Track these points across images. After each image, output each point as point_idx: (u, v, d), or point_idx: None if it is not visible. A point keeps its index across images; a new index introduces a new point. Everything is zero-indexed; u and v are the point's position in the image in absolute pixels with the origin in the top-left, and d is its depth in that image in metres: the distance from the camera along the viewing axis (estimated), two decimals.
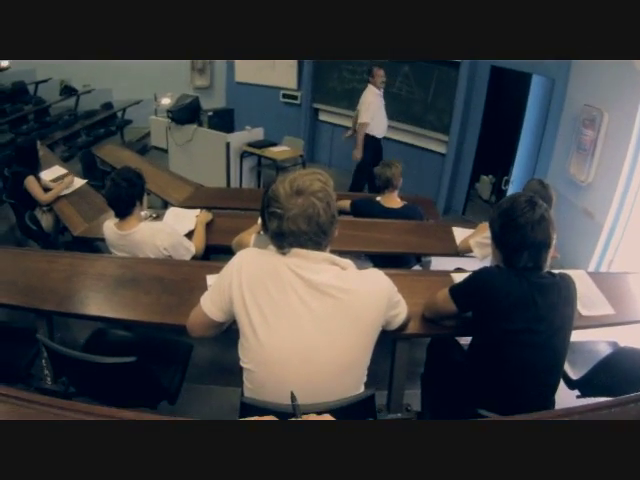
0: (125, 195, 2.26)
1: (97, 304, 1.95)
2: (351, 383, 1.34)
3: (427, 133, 5.59)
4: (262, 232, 2.12)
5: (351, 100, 6.23)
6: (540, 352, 1.52)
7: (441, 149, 5.52)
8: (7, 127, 6.24)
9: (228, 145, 5.31)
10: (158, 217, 2.80)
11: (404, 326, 1.60)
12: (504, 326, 1.52)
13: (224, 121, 5.52)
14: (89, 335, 2.07)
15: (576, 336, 1.62)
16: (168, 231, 2.40)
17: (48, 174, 3.81)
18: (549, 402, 1.60)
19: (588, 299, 2.10)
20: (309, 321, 1.23)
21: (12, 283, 2.03)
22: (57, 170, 3.96)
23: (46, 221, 3.50)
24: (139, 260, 2.29)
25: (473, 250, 2.62)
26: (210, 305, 1.37)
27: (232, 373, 2.42)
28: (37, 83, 7.72)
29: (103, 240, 2.51)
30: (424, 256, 3.21)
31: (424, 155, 5.69)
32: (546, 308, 1.50)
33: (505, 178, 5.01)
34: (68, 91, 7.57)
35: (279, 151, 5.41)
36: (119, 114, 7.70)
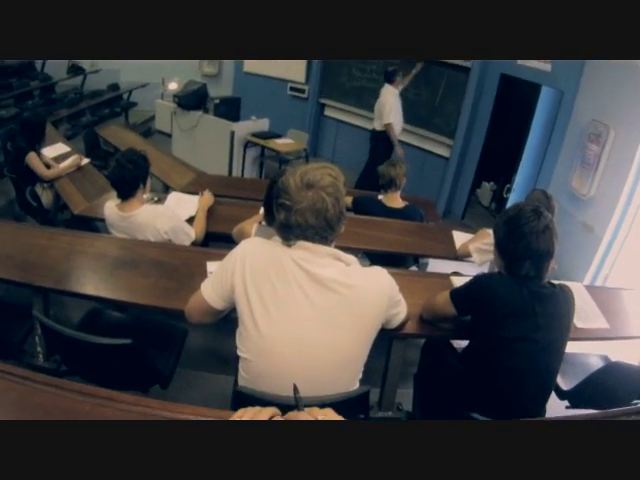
0: (129, 177, 2.26)
1: (95, 284, 1.95)
2: (347, 378, 1.35)
3: (432, 136, 5.58)
4: (263, 222, 2.13)
5: (359, 98, 6.22)
6: (535, 361, 1.54)
7: (445, 153, 5.52)
8: (12, 102, 6.17)
9: (232, 134, 5.29)
10: (159, 201, 2.79)
11: (402, 325, 1.61)
12: (501, 333, 1.53)
13: (230, 110, 5.49)
14: (84, 314, 2.05)
15: (569, 348, 1.63)
16: (169, 215, 2.40)
17: (50, 151, 3.76)
18: (540, 410, 1.61)
19: (583, 312, 2.12)
20: (310, 314, 1.24)
21: (9, 257, 2.02)
22: (60, 147, 3.93)
23: (46, 197, 3.49)
24: (139, 242, 2.29)
25: (472, 255, 2.63)
26: (211, 292, 1.37)
27: (224, 361, 2.44)
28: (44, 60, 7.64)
29: (102, 220, 2.50)
30: (422, 258, 3.22)
31: (428, 157, 5.68)
32: (544, 318, 1.51)
33: (507, 186, 5.02)
34: (75, 70, 7.52)
35: (283, 143, 5.39)
36: (125, 96, 7.65)
